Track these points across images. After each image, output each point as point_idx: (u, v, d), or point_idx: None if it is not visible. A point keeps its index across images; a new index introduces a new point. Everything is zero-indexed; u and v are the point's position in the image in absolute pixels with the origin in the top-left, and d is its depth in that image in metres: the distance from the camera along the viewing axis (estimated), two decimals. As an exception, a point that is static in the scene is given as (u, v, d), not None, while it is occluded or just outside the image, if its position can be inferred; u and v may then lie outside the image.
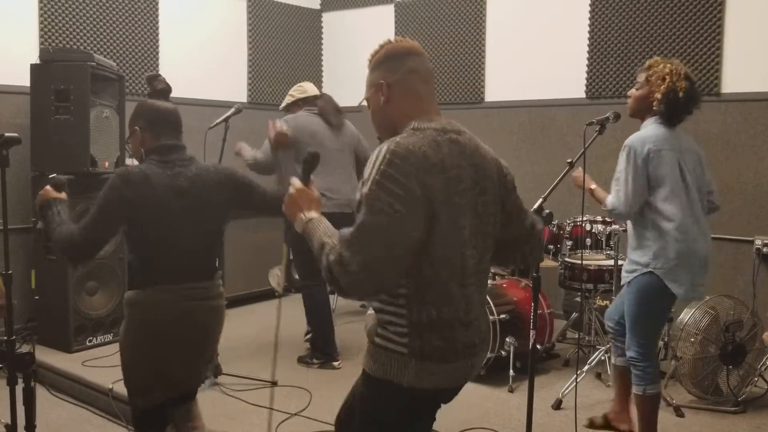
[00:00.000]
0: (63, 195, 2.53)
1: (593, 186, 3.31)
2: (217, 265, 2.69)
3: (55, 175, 2.59)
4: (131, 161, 5.10)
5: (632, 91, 3.21)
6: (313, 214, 1.85)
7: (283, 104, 4.62)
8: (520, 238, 2.04)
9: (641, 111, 3.18)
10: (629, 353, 3.18)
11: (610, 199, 3.13)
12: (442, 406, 1.98)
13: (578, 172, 3.30)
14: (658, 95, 3.08)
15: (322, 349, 4.45)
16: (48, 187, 2.53)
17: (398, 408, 1.84)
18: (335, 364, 4.43)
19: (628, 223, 3.23)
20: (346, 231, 1.70)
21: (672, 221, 3.04)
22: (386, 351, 1.80)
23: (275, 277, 2.06)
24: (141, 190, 2.40)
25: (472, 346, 1.86)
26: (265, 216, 2.75)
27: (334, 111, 4.48)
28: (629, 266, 3.16)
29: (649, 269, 3.07)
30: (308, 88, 4.55)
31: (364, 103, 1.99)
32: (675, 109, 3.08)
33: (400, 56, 1.91)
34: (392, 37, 2.00)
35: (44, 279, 4.72)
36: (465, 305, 1.83)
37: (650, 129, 3.11)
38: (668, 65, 3.12)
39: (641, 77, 3.19)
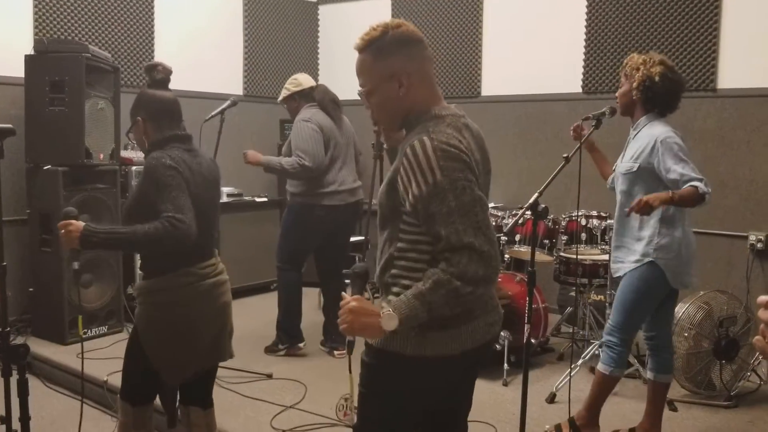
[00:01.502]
0: (81, 223, 2.37)
1: (671, 194, 2.99)
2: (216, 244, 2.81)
3: (68, 208, 2.46)
4: (133, 153, 5.11)
5: (618, 91, 3.26)
6: (386, 310, 1.70)
7: (280, 98, 4.61)
8: None
9: (627, 107, 3.22)
10: (609, 337, 3.25)
11: (701, 185, 2.93)
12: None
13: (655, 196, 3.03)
14: (635, 83, 3.12)
15: (288, 331, 4.51)
16: (67, 222, 2.34)
17: (402, 378, 1.86)
18: (300, 345, 4.53)
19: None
20: (448, 233, 1.67)
21: (682, 215, 3.12)
22: None
23: (342, 409, 2.01)
24: (186, 172, 2.46)
25: (473, 311, 1.85)
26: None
27: (332, 103, 4.48)
28: (631, 256, 3.20)
29: (650, 258, 3.12)
30: (303, 80, 4.53)
31: (364, 92, 1.93)
32: (654, 96, 3.11)
33: (415, 43, 1.88)
34: (390, 21, 1.91)
35: (39, 271, 4.72)
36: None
37: (661, 124, 3.13)
38: (642, 56, 3.17)
39: (621, 75, 3.25)
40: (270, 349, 4.56)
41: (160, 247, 2.38)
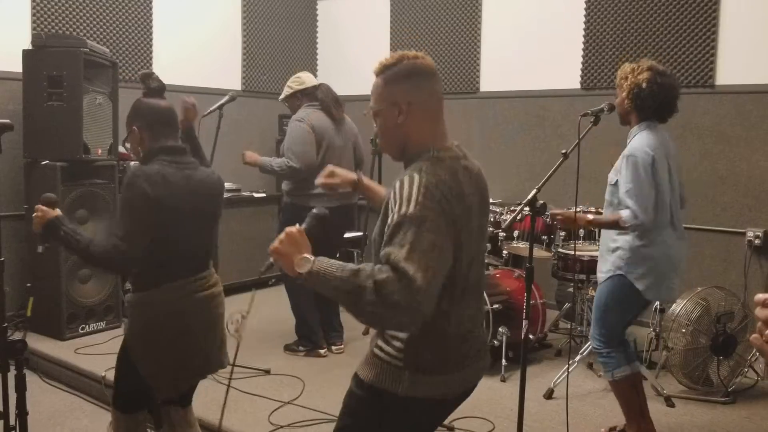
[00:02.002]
0: (58, 211, 2.44)
1: (590, 217, 3.29)
2: (212, 256, 2.77)
3: (47, 194, 2.50)
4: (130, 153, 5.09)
5: (615, 103, 3.25)
6: (308, 256, 1.71)
7: (282, 96, 4.59)
8: None
9: (623, 116, 3.23)
10: (594, 343, 3.26)
11: (628, 214, 3.00)
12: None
13: (564, 213, 3.23)
14: (624, 93, 3.14)
15: (308, 337, 4.48)
16: (42, 207, 2.42)
17: (391, 416, 1.86)
18: (321, 351, 4.46)
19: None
20: (392, 251, 1.61)
21: (662, 227, 3.09)
22: (381, 362, 1.84)
23: (235, 323, 2.04)
24: (161, 190, 2.42)
25: (466, 358, 1.89)
26: None
27: (335, 103, 4.44)
28: (604, 266, 3.22)
29: (620, 272, 3.12)
30: (306, 79, 4.51)
31: (370, 113, 1.93)
32: (644, 103, 3.10)
33: (425, 76, 1.87)
34: (409, 52, 1.91)
35: (37, 267, 4.71)
36: (462, 318, 1.86)
37: (643, 137, 3.11)
38: (632, 65, 3.17)
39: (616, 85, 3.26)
40: (289, 348, 4.53)
41: (102, 268, 2.42)
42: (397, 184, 1.73)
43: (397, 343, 1.82)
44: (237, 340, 2.12)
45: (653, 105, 3.11)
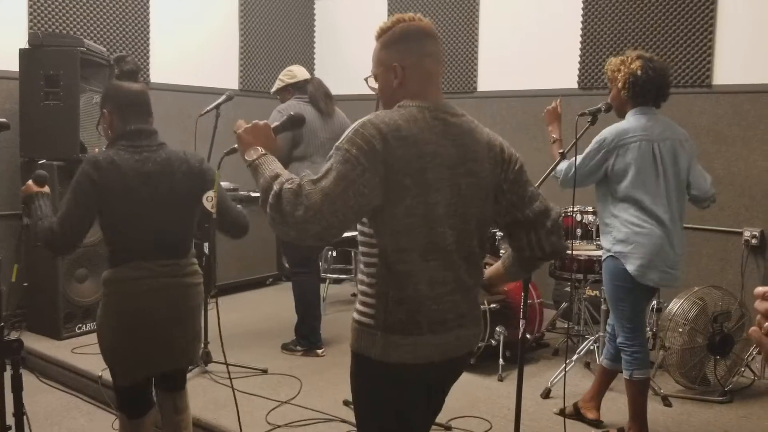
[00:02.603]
0: (46, 189, 2.55)
1: (555, 135, 3.39)
2: (191, 246, 2.72)
3: (39, 171, 2.61)
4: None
5: (610, 98, 3.29)
6: (260, 148, 1.84)
7: (274, 89, 4.59)
8: (525, 224, 1.98)
9: (620, 108, 3.26)
10: (619, 340, 3.24)
11: (563, 164, 3.17)
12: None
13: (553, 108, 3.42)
14: (620, 84, 3.17)
15: (307, 337, 4.46)
16: (29, 182, 2.55)
17: (376, 381, 1.87)
18: (319, 351, 4.45)
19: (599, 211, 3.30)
20: (308, 173, 1.73)
21: (634, 209, 3.11)
22: (359, 325, 1.85)
23: (210, 200, 2.09)
24: (109, 176, 2.44)
25: (442, 323, 1.85)
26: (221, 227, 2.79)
27: (324, 97, 4.43)
28: (604, 243, 3.27)
29: (611, 253, 3.16)
30: (297, 72, 4.50)
31: (372, 81, 1.95)
32: (641, 89, 3.14)
33: (417, 38, 1.88)
34: (406, 15, 1.94)
35: (34, 266, 4.70)
36: (432, 280, 1.81)
37: (629, 120, 3.17)
38: (620, 57, 3.22)
39: (608, 81, 3.29)
40: (286, 347, 4.51)
41: (45, 248, 2.49)
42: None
43: (370, 301, 1.82)
44: (213, 214, 2.29)
45: (651, 90, 3.15)
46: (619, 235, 3.12)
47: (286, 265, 4.45)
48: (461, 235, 1.86)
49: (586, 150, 3.15)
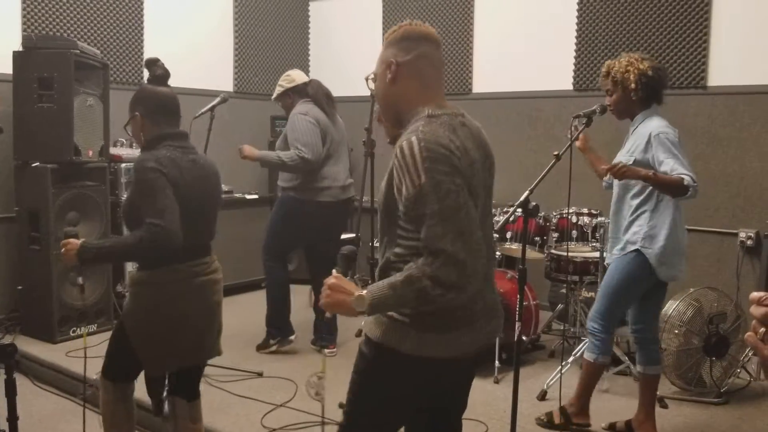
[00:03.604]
0: (79, 241, 2.51)
1: (650, 172, 3.05)
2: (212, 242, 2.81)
3: (67, 228, 2.64)
4: (122, 150, 5.08)
5: (608, 99, 3.30)
6: (359, 292, 1.75)
7: (274, 95, 4.59)
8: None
9: (627, 110, 3.28)
10: (592, 323, 3.33)
11: (689, 179, 2.98)
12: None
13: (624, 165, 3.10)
14: (632, 85, 3.16)
15: (277, 326, 4.50)
16: (68, 240, 2.48)
17: (397, 374, 1.87)
18: (291, 338, 4.51)
19: (622, 202, 3.29)
20: (427, 236, 1.68)
21: (674, 208, 3.17)
22: (389, 319, 1.84)
23: (314, 386, 2.03)
24: (173, 172, 2.48)
25: (475, 318, 1.87)
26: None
27: (326, 98, 4.46)
28: (616, 246, 3.29)
29: (636, 247, 3.18)
30: (296, 77, 4.51)
31: (372, 77, 1.99)
32: (653, 89, 3.19)
33: (414, 39, 1.92)
34: (410, 20, 1.99)
35: (28, 270, 4.68)
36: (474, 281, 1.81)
37: (659, 119, 3.20)
38: (623, 59, 3.24)
39: (607, 84, 3.29)
40: (262, 347, 4.54)
41: (149, 254, 2.47)
42: (398, 151, 1.76)
43: None
44: (320, 402, 2.20)
45: (659, 90, 3.21)
46: (650, 231, 3.18)
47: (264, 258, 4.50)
48: (488, 231, 1.93)
49: (666, 157, 3.06)
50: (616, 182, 3.27)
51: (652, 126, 3.16)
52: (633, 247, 3.20)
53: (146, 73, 2.82)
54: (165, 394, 2.85)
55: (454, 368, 1.91)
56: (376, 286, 1.74)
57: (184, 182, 2.50)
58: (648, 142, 3.13)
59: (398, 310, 1.78)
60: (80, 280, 2.62)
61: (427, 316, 1.79)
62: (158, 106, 2.61)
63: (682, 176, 2.99)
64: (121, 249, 2.51)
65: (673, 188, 3.03)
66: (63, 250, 2.47)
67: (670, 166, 3.04)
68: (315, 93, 4.44)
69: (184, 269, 2.58)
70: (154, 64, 2.76)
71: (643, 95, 3.18)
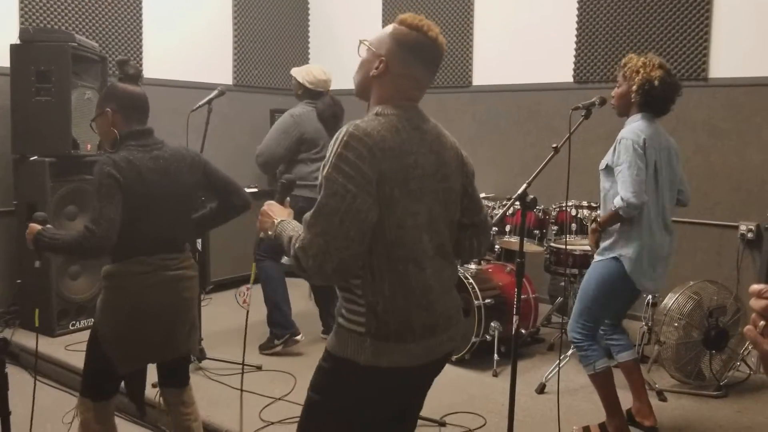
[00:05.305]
0: (48, 226, 2.58)
1: (593, 226, 3.25)
2: (188, 239, 2.81)
3: (38, 213, 2.65)
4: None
5: (615, 91, 3.29)
6: (284, 218, 1.93)
7: (294, 78, 4.60)
8: (471, 230, 2.06)
9: (624, 107, 3.27)
10: (573, 334, 3.27)
11: (617, 200, 3.05)
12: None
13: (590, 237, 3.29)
14: (635, 86, 3.16)
15: (281, 324, 4.40)
16: (31, 224, 2.56)
17: (356, 386, 1.85)
18: (297, 338, 4.41)
19: (604, 203, 3.26)
20: (307, 215, 1.75)
21: (651, 220, 3.14)
22: (346, 330, 1.84)
23: (243, 295, 2.14)
24: (128, 174, 2.50)
25: (433, 327, 1.86)
26: (225, 207, 2.95)
27: (332, 119, 4.44)
28: (600, 248, 3.26)
29: (614, 254, 3.16)
30: (318, 80, 4.51)
31: (363, 50, 1.96)
32: (653, 99, 3.15)
33: (418, 55, 1.88)
34: (430, 28, 1.90)
35: (27, 263, 4.67)
36: (422, 288, 1.83)
37: (639, 124, 3.17)
38: (642, 59, 3.20)
39: (619, 76, 3.28)
40: (265, 347, 4.44)
41: (81, 256, 2.55)
42: (333, 138, 1.79)
43: (359, 309, 1.81)
44: (246, 309, 2.30)
45: (660, 102, 3.17)
46: (624, 240, 3.14)
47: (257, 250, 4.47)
48: (441, 239, 1.90)
49: (621, 166, 3.06)
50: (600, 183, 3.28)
51: (625, 130, 3.16)
52: (611, 254, 3.17)
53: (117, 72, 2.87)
54: (156, 389, 2.87)
55: (411, 377, 1.90)
56: (290, 226, 1.87)
57: (142, 180, 2.52)
58: (615, 145, 3.15)
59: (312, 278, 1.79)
60: (37, 263, 2.63)
61: (383, 325, 1.79)
62: (131, 104, 2.64)
63: (615, 206, 3.05)
64: (65, 245, 2.52)
65: (615, 221, 3.12)
66: (27, 232, 2.54)
67: (619, 175, 3.06)
68: (323, 110, 4.44)
69: (152, 262, 2.60)
70: (126, 63, 2.86)
71: (641, 100, 3.16)
